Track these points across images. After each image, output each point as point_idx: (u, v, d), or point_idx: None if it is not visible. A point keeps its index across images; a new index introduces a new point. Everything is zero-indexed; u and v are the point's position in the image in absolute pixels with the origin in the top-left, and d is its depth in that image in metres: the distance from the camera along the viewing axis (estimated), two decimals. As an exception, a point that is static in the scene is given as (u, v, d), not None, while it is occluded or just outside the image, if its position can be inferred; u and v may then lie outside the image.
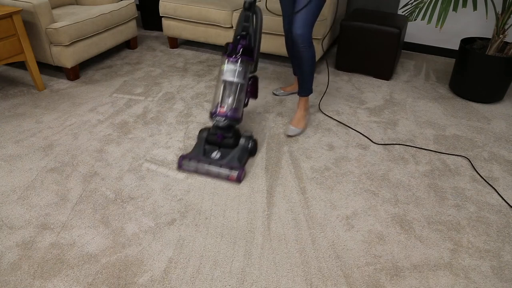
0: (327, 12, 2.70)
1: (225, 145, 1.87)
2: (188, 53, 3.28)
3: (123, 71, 2.91)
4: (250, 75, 1.90)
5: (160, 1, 3.10)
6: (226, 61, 1.79)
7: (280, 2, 2.13)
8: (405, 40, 3.38)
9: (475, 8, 2.10)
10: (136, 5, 4.40)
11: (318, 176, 1.84)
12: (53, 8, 3.01)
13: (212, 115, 1.81)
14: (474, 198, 1.73)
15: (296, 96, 2.57)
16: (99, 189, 1.74)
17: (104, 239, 1.49)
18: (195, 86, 2.70)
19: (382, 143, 2.10)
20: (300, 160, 1.96)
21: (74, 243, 1.47)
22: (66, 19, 2.62)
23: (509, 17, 2.32)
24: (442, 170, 1.91)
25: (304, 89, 2.12)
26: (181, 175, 1.83)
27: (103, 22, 2.81)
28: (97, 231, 1.52)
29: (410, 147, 2.07)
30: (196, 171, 1.81)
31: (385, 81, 2.83)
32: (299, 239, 1.50)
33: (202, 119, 2.29)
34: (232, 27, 2.94)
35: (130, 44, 3.30)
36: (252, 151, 1.91)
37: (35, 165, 1.88)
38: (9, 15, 2.26)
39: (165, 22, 3.20)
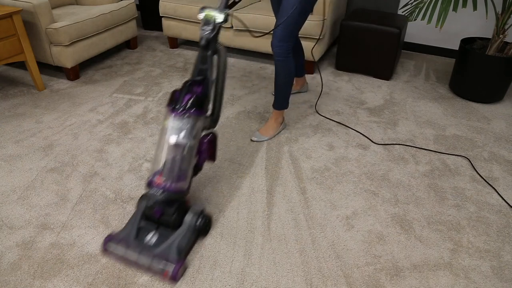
0: (327, 12, 2.70)
1: (165, 224, 1.43)
2: (188, 53, 3.28)
3: (123, 71, 2.91)
4: (207, 132, 1.55)
5: (160, 1, 3.10)
6: (170, 115, 1.37)
7: (272, 8, 2.12)
8: (405, 40, 3.38)
9: (475, 8, 2.10)
10: (136, 5, 4.40)
11: (318, 176, 1.84)
12: (53, 8, 3.01)
13: (148, 185, 1.38)
14: (474, 198, 1.73)
15: (295, 96, 2.57)
16: (99, 189, 1.74)
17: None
18: (195, 86, 2.70)
19: (382, 143, 2.10)
20: (300, 160, 1.96)
21: (74, 243, 1.47)
22: (66, 19, 2.62)
23: (509, 17, 2.32)
24: (442, 170, 1.91)
25: (278, 102, 2.05)
26: (181, 175, 1.83)
27: (103, 22, 2.81)
28: (97, 231, 1.52)
29: (410, 147, 2.07)
30: (123, 260, 1.38)
31: (385, 81, 2.83)
32: (299, 239, 1.50)
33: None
34: (232, 27, 2.94)
35: (130, 44, 3.30)
36: (201, 232, 1.48)
37: (35, 165, 1.89)
38: (9, 15, 2.26)
39: (165, 22, 3.20)
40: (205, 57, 1.44)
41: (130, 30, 3.14)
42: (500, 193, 1.76)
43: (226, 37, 3.02)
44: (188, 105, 1.35)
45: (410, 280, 1.35)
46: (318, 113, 2.33)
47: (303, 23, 1.85)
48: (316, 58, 2.79)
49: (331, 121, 2.30)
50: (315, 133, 2.18)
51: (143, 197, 1.50)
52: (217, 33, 1.42)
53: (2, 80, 2.74)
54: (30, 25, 2.52)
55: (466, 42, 2.63)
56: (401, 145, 2.09)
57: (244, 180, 1.81)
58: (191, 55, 3.23)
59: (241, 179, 1.82)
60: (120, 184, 1.77)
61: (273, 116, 2.13)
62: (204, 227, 1.48)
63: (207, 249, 1.46)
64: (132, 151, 2.00)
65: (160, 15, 3.19)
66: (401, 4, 3.22)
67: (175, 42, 3.35)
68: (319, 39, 2.53)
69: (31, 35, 2.58)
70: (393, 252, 1.46)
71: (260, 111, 2.39)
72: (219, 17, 1.40)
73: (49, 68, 2.93)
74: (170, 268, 1.31)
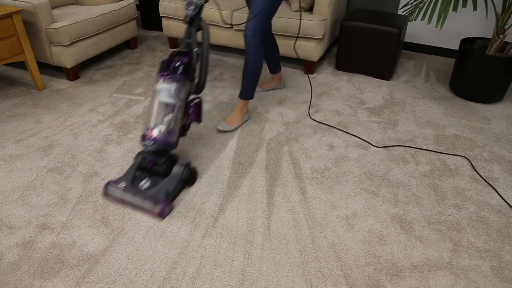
0: (326, 12, 2.70)
1: (156, 173, 1.67)
2: (188, 53, 3.28)
3: (123, 71, 2.91)
4: (194, 97, 1.76)
5: (160, 1, 3.10)
6: (160, 79, 1.60)
7: (246, 2, 2.22)
8: (405, 40, 3.38)
9: (475, 8, 2.10)
10: (136, 5, 4.40)
11: (318, 176, 1.84)
12: (53, 8, 3.01)
13: (142, 138, 1.62)
14: (474, 198, 1.73)
15: (295, 96, 2.57)
16: (99, 189, 1.74)
17: (104, 239, 1.49)
18: (195, 86, 2.70)
19: (382, 145, 2.10)
20: (300, 160, 1.96)
21: (74, 243, 1.47)
22: (66, 19, 2.62)
23: (509, 17, 2.32)
24: (442, 170, 1.91)
25: (244, 92, 2.14)
26: (181, 175, 1.83)
27: (103, 22, 2.81)
28: (97, 231, 1.52)
29: (410, 147, 2.07)
30: (120, 202, 1.63)
31: (385, 81, 2.83)
32: (299, 239, 1.50)
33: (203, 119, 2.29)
34: (232, 27, 2.94)
35: (130, 44, 3.30)
36: (187, 181, 1.71)
37: (35, 165, 1.88)
38: (9, 15, 2.26)
39: (165, 22, 3.20)
40: (190, 32, 1.68)
41: (130, 30, 3.14)
42: (500, 193, 1.76)
43: (226, 37, 3.02)
44: (175, 70, 1.59)
45: (410, 280, 1.35)
46: (312, 119, 2.30)
47: (274, 15, 1.99)
48: (316, 58, 2.80)
49: (331, 121, 2.30)
50: (315, 133, 2.18)
51: (139, 153, 1.70)
52: (199, 11, 1.65)
53: (2, 80, 2.74)
54: (30, 25, 2.52)
55: (466, 42, 2.63)
56: (401, 146, 2.09)
57: (244, 180, 1.81)
58: (191, 55, 3.23)
59: (241, 179, 1.82)
60: (120, 184, 1.77)
61: (238, 106, 2.21)
62: (189, 177, 1.71)
63: (207, 249, 1.46)
64: (132, 151, 2.00)
65: (160, 15, 3.19)
66: (401, 4, 3.21)
67: (175, 42, 3.35)
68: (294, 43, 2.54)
69: (31, 35, 2.58)
70: (393, 252, 1.46)
71: (260, 111, 2.39)
72: None
73: (49, 68, 2.93)
74: (158, 207, 1.55)
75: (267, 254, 1.44)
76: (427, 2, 2.20)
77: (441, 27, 2.06)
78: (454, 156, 2.01)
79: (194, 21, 1.67)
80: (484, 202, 1.71)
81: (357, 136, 2.15)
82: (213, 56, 3.21)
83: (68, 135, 2.12)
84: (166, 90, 1.58)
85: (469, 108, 2.48)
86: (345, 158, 1.98)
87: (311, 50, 2.76)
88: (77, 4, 3.19)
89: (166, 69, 1.59)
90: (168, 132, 1.60)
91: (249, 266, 1.39)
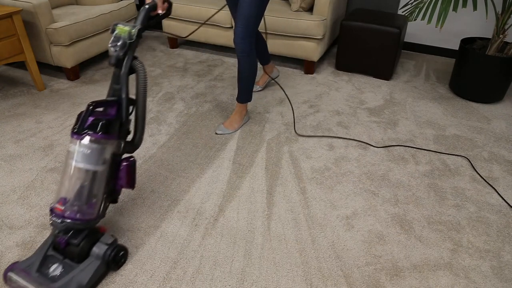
0: (326, 12, 2.70)
1: (70, 256, 1.29)
2: (188, 53, 3.28)
3: (123, 71, 2.91)
4: (126, 156, 1.41)
5: (160, 1, 3.09)
6: (72, 138, 1.25)
7: (229, 8, 2.14)
8: (405, 40, 3.38)
9: (475, 8, 2.10)
10: (136, 5, 4.40)
11: (318, 176, 1.84)
12: (53, 8, 3.01)
13: (50, 211, 1.28)
14: (474, 198, 1.73)
15: (295, 96, 2.57)
16: (99, 189, 1.74)
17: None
18: (195, 86, 2.70)
19: (382, 145, 2.10)
20: (300, 160, 1.96)
21: (74, 243, 1.47)
22: (66, 19, 2.62)
23: (509, 17, 2.32)
24: (442, 170, 1.91)
25: (242, 96, 2.13)
26: (181, 175, 1.83)
27: (103, 22, 2.81)
28: (97, 231, 1.52)
29: (410, 147, 2.07)
30: None
31: (385, 81, 2.83)
32: (299, 239, 1.50)
33: (202, 118, 2.29)
34: (232, 27, 2.94)
35: (130, 44, 3.30)
36: (111, 265, 1.32)
37: (35, 165, 1.89)
38: (9, 15, 2.26)
39: (165, 22, 3.20)
40: (118, 76, 1.34)
41: (130, 30, 3.14)
42: (500, 193, 1.76)
43: (226, 37, 3.02)
44: (92, 127, 1.24)
45: (410, 280, 1.35)
46: (299, 134, 2.16)
47: (262, 16, 1.92)
48: (316, 58, 2.80)
49: (331, 121, 2.30)
50: (315, 133, 2.18)
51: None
52: (128, 50, 1.33)
53: (2, 80, 2.74)
54: (30, 25, 2.52)
55: (466, 42, 2.63)
56: (401, 146, 2.09)
57: (244, 180, 1.81)
58: (191, 55, 3.23)
59: (241, 179, 1.82)
60: (120, 184, 1.77)
61: (237, 109, 2.19)
62: (115, 259, 1.33)
63: (207, 249, 1.46)
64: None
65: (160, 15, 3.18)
66: (401, 4, 3.21)
67: (175, 42, 3.36)
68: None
69: (31, 35, 2.58)
70: (393, 252, 1.46)
71: (260, 111, 2.38)
72: (131, 34, 1.31)
73: (49, 68, 2.93)
74: None
75: (267, 254, 1.44)
76: (427, 2, 2.20)
77: (441, 27, 2.06)
78: (454, 156, 2.01)
79: (123, 62, 1.33)
80: (484, 202, 1.71)
81: (356, 140, 2.15)
82: (213, 56, 3.21)
83: (68, 135, 2.12)
84: (80, 153, 1.24)
85: (469, 108, 2.48)
86: (345, 158, 1.98)
87: (311, 50, 2.76)
88: (77, 4, 3.19)
89: (80, 127, 1.24)
90: (86, 205, 1.26)
91: (249, 266, 1.39)
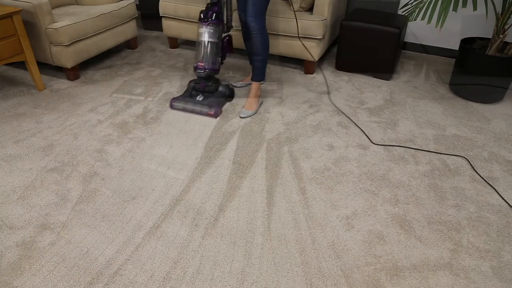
0: (326, 12, 2.70)
1: (207, 91, 2.36)
2: (188, 53, 3.28)
3: (123, 71, 2.91)
4: (225, 34, 2.37)
5: (160, 1, 3.10)
6: (201, 25, 2.20)
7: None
8: (405, 40, 3.38)
9: (475, 8, 2.10)
10: (136, 5, 4.40)
11: (318, 176, 1.84)
12: (53, 8, 3.00)
13: (195, 69, 2.27)
14: (474, 198, 1.73)
15: (295, 96, 2.57)
16: (99, 189, 1.74)
17: (104, 239, 1.49)
18: (195, 86, 2.70)
19: (382, 143, 2.10)
20: (300, 160, 1.96)
21: (74, 243, 1.47)
22: (66, 19, 2.62)
23: (509, 17, 2.32)
24: (442, 170, 1.91)
25: (256, 75, 2.32)
26: (181, 175, 1.83)
27: (103, 22, 2.81)
28: (97, 231, 1.52)
29: (410, 148, 2.07)
30: (184, 109, 2.33)
31: (385, 81, 2.83)
32: (299, 239, 1.50)
33: (202, 118, 2.29)
34: (232, 27, 2.93)
35: (130, 44, 3.30)
36: (228, 96, 2.41)
37: (35, 165, 1.89)
38: (9, 15, 2.26)
39: (165, 22, 3.20)
40: None
41: (130, 30, 3.14)
42: (500, 193, 1.76)
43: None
44: (211, 17, 2.17)
45: (410, 280, 1.35)
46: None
47: (269, 1, 2.15)
48: (316, 58, 2.80)
49: (331, 121, 2.30)
50: (315, 133, 2.18)
51: (191, 81, 2.41)
52: None
53: (2, 80, 2.74)
54: (30, 25, 2.52)
55: (466, 42, 2.63)
56: (401, 147, 2.09)
57: (244, 180, 1.81)
58: (191, 55, 3.23)
59: (241, 179, 1.82)
60: (120, 184, 1.77)
61: (253, 90, 2.37)
62: (229, 94, 2.43)
63: (207, 249, 1.46)
64: (132, 151, 2.00)
65: (160, 15, 3.19)
66: (401, 4, 3.21)
67: (175, 42, 3.35)
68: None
69: (31, 35, 2.58)
70: (393, 252, 1.46)
71: (260, 111, 2.39)
72: None
73: (49, 68, 2.93)
74: (213, 110, 2.27)
75: (267, 254, 1.44)
76: (427, 2, 2.20)
77: (441, 27, 2.06)
78: (454, 156, 2.01)
79: None
80: (484, 202, 1.71)
81: (361, 129, 2.15)
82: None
83: (68, 135, 2.12)
84: (207, 33, 2.20)
85: (469, 108, 2.48)
86: (345, 158, 1.98)
87: (311, 50, 2.76)
88: (77, 4, 3.19)
89: (205, 18, 2.19)
90: (213, 62, 2.25)
91: (249, 266, 1.39)
